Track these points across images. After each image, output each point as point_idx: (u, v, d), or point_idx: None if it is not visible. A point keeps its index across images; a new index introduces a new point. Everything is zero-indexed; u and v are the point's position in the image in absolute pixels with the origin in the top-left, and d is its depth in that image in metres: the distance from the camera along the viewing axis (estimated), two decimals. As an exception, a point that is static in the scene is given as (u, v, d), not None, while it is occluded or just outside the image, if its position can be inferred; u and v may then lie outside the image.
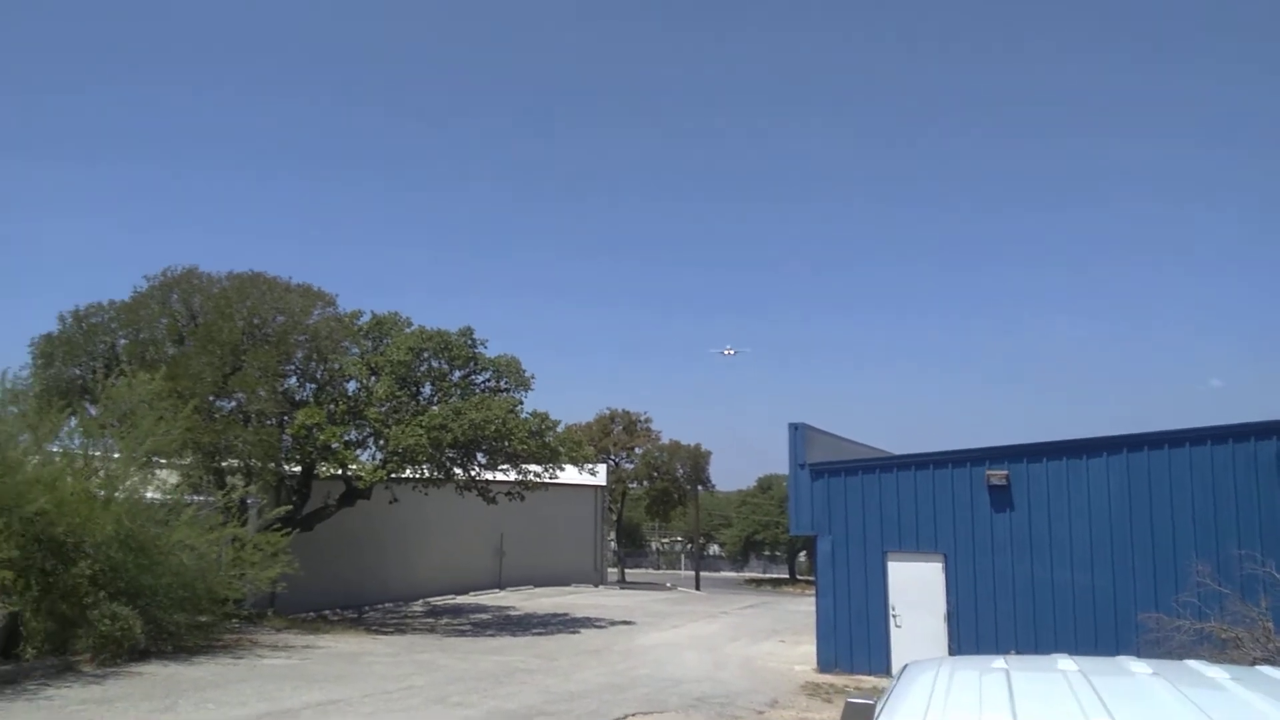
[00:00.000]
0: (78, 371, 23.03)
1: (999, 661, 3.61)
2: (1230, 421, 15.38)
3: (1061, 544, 16.21)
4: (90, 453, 17.94)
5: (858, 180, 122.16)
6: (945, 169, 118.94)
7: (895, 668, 16.74)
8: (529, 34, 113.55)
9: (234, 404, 23.05)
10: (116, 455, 18.08)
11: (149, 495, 18.55)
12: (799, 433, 19.21)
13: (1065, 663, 3.59)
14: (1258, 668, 3.84)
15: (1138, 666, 3.54)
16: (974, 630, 16.64)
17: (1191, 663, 3.85)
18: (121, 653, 15.99)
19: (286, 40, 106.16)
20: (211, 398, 22.36)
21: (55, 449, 17.94)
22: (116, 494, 17.30)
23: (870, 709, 3.57)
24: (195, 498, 20.07)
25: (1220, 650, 12.41)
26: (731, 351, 71.61)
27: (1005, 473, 16.84)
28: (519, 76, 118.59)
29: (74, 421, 19.06)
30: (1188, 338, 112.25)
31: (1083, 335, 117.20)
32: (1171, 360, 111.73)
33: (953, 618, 16.96)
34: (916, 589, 17.44)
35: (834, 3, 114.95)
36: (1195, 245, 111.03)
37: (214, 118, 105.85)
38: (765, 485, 61.35)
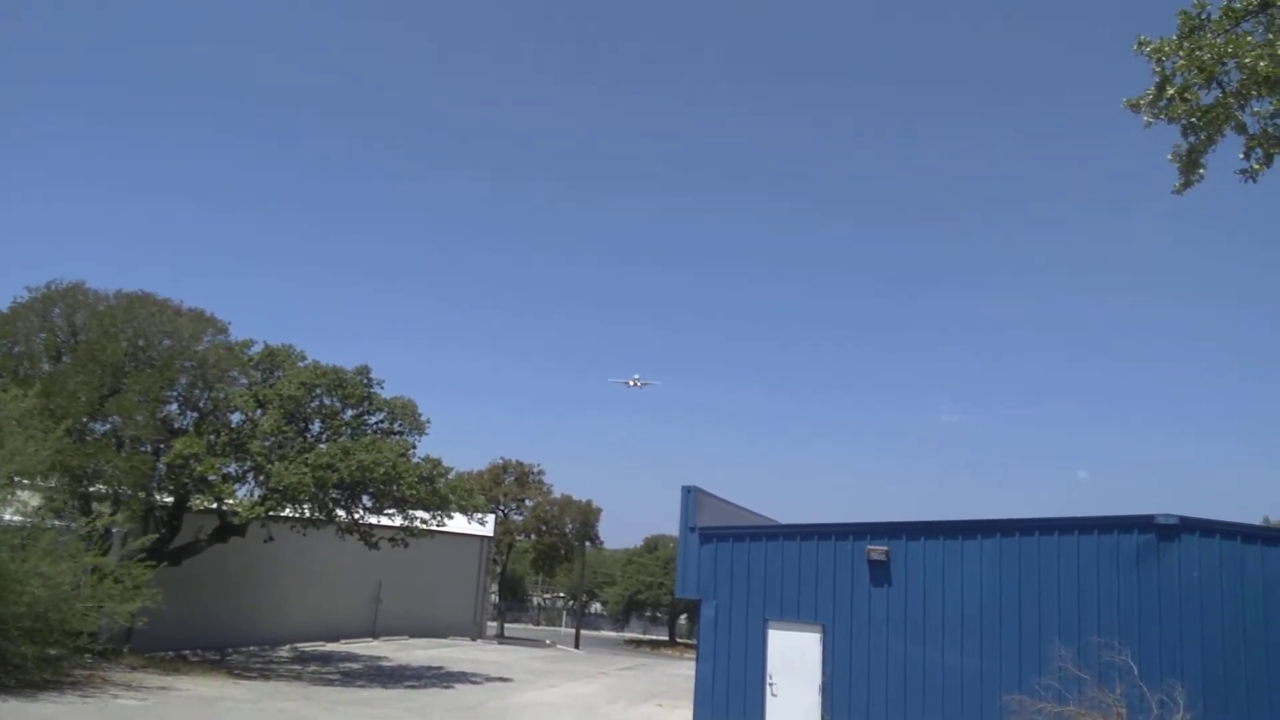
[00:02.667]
0: (-59, 381, 21.67)
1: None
2: (1094, 513, 16.18)
3: (935, 623, 16.67)
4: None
5: (762, 253, 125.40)
6: (846, 248, 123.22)
7: (769, 737, 16.88)
8: (448, 76, 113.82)
9: (109, 427, 22.00)
10: (-24, 473, 17.02)
11: (7, 517, 17.49)
12: (691, 496, 19.37)
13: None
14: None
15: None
16: (848, 702, 16.90)
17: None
18: (-42, 685, 14.91)
19: (207, 74, 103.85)
20: (85, 419, 21.32)
21: (-94, 462, 16.81)
22: (-30, 514, 16.26)
23: None
24: (57, 522, 18.99)
25: (1077, 734, 12.93)
26: (638, 382, 66.48)
27: (885, 549, 17.29)
28: (432, 119, 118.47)
29: (-69, 434, 17.83)
30: (1061, 427, 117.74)
31: (964, 420, 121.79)
32: (1045, 448, 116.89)
33: (828, 689, 17.19)
34: (795, 658, 17.65)
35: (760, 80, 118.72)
36: (1079, 334, 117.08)
37: (119, 139, 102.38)
38: (651, 545, 61.36)
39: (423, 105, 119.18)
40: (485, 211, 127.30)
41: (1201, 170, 10.18)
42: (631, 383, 66.18)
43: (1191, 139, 10.05)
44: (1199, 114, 9.81)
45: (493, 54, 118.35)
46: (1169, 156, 10.28)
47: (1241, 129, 9.86)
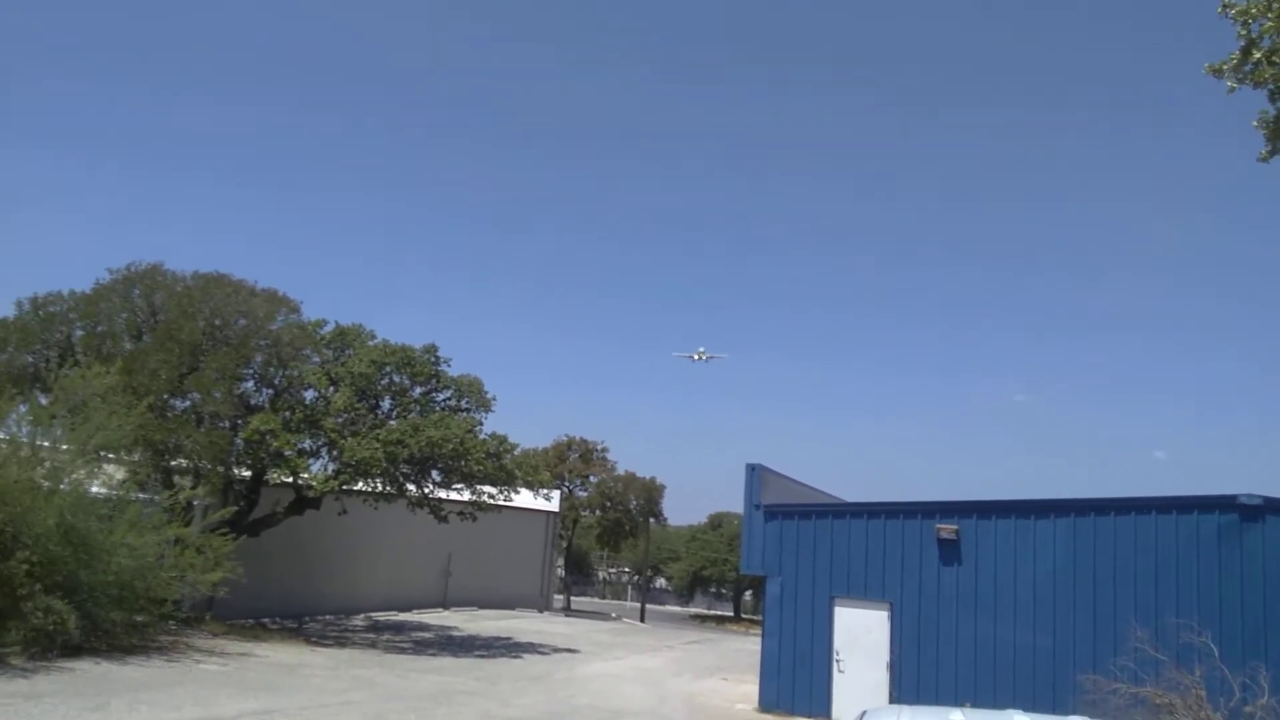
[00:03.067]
0: (30, 359, 22.56)
1: (955, 714, 3.71)
2: (1171, 493, 15.74)
3: (1006, 601, 16.42)
4: (38, 442, 17.56)
5: (830, 230, 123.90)
6: (916, 227, 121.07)
7: (836, 712, 16.86)
8: (529, 64, 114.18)
9: (188, 404, 22.70)
10: (65, 447, 17.72)
11: (94, 489, 18.18)
12: (755, 474, 19.33)
13: (1019, 718, 3.69)
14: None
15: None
16: (915, 680, 16.77)
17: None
18: (53, 647, 15.61)
19: (286, 47, 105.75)
20: (166, 396, 22.02)
21: (2, 436, 17.55)
22: (61, 486, 16.94)
23: None
24: (141, 495, 19.70)
25: (1154, 715, 12.64)
26: (703, 355, 63.60)
27: (955, 527, 17.06)
28: (511, 105, 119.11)
29: (23, 409, 18.61)
30: (1137, 409, 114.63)
31: (1036, 400, 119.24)
32: (1120, 429, 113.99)
33: (895, 667, 17.07)
34: (861, 636, 17.55)
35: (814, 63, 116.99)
36: (1154, 320, 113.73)
37: (193, 120, 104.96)
38: (716, 523, 61.36)
39: (484, 85, 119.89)
40: (546, 191, 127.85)
41: (1291, 138, 9.76)
42: (696, 356, 63.54)
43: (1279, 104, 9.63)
44: (1289, 78, 9.40)
45: (553, 38, 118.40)
46: (1254, 123, 9.87)
47: (1332, 94, 9.43)
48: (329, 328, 25.44)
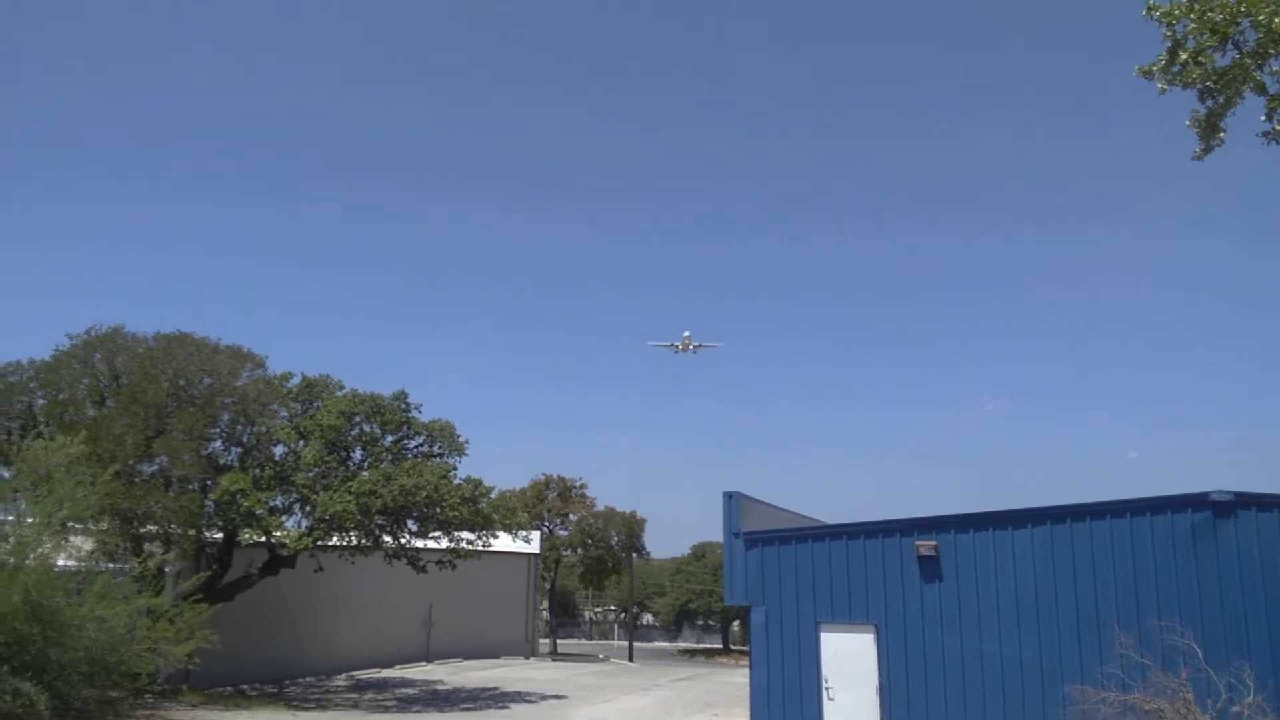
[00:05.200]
0: (-9, 431, 22.14)
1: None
2: (1146, 494, 15.84)
3: (990, 615, 16.38)
4: (1, 518, 17.14)
5: (793, 266, 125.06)
6: (878, 254, 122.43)
7: (828, 741, 16.66)
8: (498, 118, 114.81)
9: (156, 468, 22.33)
10: (30, 521, 17.30)
11: (61, 563, 17.74)
12: (734, 501, 19.22)
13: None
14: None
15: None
16: (906, 703, 16.64)
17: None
18: (23, 731, 15.13)
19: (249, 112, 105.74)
20: (132, 461, 21.64)
21: (-37, 513, 17.13)
22: (26, 562, 16.50)
23: None
24: (110, 565, 19.27)
25: (1143, 722, 12.61)
26: (690, 344, 53.80)
27: (934, 543, 17.04)
28: (466, 155, 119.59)
29: (-15, 484, 18.17)
30: (1107, 411, 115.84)
31: (1006, 407, 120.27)
32: (1089, 432, 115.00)
33: (885, 690, 16.95)
34: (849, 661, 17.42)
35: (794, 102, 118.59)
36: (1111, 324, 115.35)
37: (148, 188, 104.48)
38: (699, 553, 61.06)
39: (437, 136, 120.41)
40: (521, 237, 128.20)
41: (1221, 134, 9.93)
42: (681, 346, 53.83)
43: (1209, 103, 9.80)
44: (1215, 77, 9.57)
45: (509, 89, 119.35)
46: (1187, 122, 10.05)
47: (1261, 89, 9.60)
48: (295, 380, 25.19)
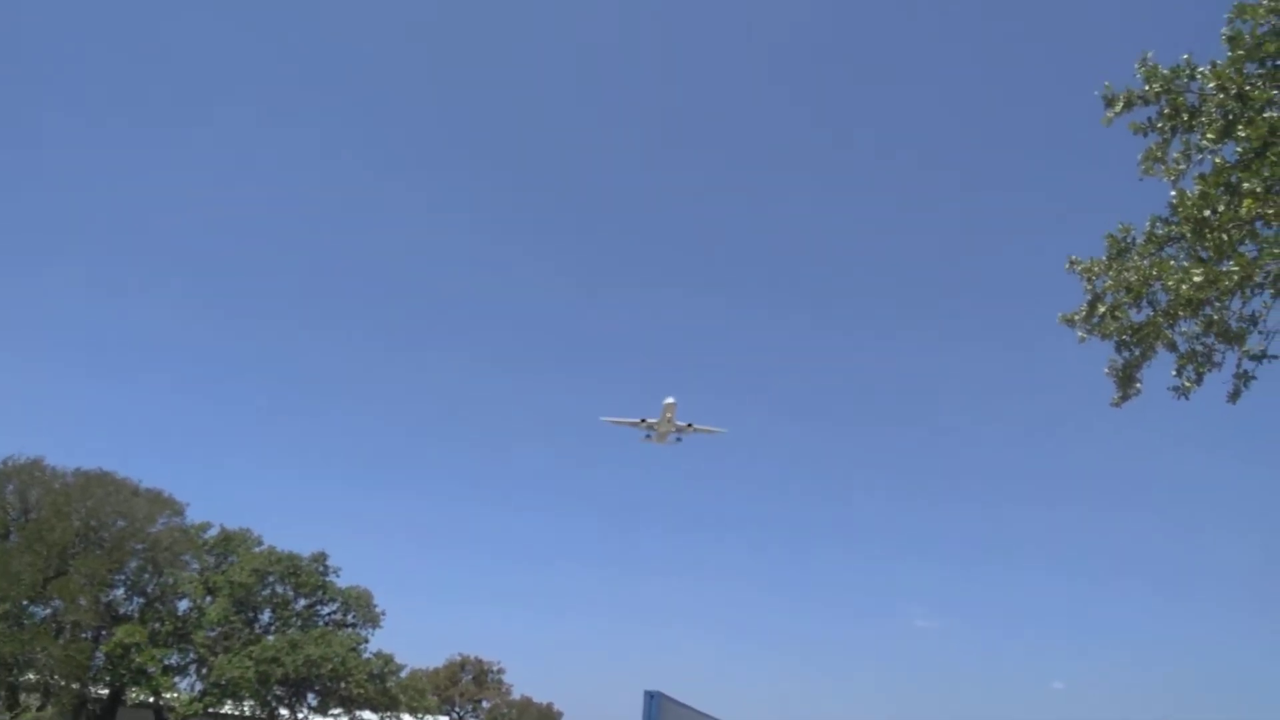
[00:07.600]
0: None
1: None
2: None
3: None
4: None
5: (729, 459, 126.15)
6: (817, 452, 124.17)
7: None
8: (423, 256, 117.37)
9: (49, 611, 21.20)
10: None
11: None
12: (655, 702, 18.59)
13: None
14: None
15: None
16: None
17: None
18: None
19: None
20: (26, 602, 20.55)
21: None
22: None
23: None
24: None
25: None
26: (673, 425, 41.42)
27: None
28: (396, 305, 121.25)
29: None
30: (1034, 638, 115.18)
31: (937, 626, 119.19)
32: (1016, 660, 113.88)
33: None
34: None
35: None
36: (1043, 545, 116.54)
37: (95, 317, 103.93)
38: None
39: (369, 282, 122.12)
40: (451, 397, 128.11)
41: (1138, 385, 10.49)
42: (664, 424, 40.03)
43: (1125, 355, 10.41)
44: (1131, 331, 10.21)
45: (478, 242, 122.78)
46: (1105, 371, 10.63)
47: (1172, 347, 10.24)
48: (214, 531, 24.47)
